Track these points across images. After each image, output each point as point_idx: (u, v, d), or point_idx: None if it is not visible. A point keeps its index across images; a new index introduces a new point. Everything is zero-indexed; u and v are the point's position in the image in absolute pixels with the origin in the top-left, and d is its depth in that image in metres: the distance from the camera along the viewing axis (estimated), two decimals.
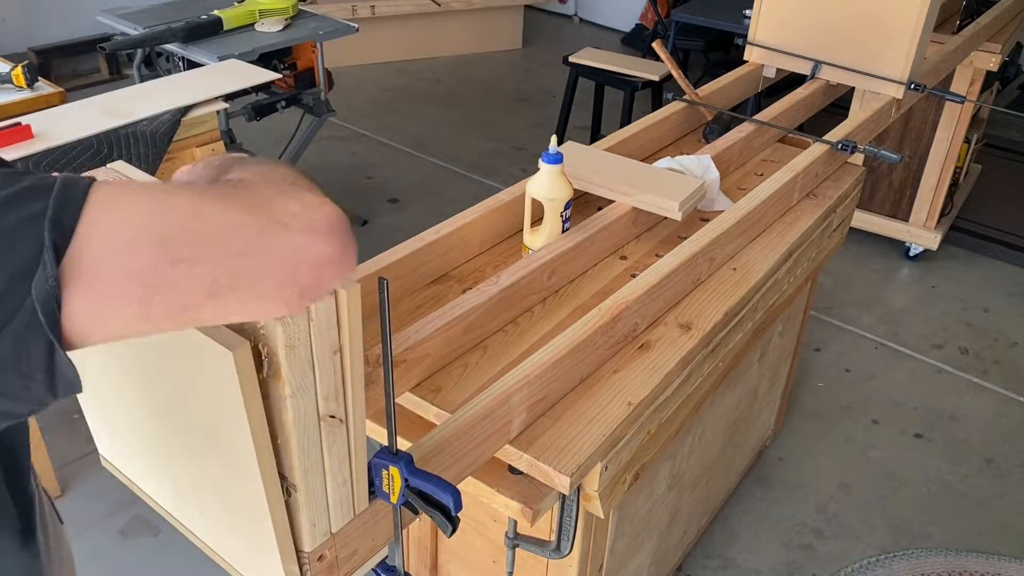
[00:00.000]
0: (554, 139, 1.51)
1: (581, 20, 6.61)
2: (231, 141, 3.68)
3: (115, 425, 1.03)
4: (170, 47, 3.11)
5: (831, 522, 2.39)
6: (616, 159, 1.72)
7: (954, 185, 3.54)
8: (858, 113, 2.07)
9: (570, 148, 1.72)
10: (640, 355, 1.38)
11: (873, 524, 2.39)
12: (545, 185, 1.51)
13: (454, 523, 0.93)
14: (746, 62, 2.36)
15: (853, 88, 2.27)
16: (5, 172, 0.56)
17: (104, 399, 1.02)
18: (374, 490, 0.95)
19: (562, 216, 1.54)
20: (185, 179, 0.79)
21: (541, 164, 1.51)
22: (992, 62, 3.08)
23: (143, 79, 3.13)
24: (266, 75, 2.82)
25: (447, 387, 1.28)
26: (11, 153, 2.10)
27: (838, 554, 2.29)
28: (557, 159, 1.50)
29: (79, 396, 1.07)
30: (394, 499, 0.94)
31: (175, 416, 0.89)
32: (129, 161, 2.20)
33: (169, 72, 3.25)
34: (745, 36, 2.34)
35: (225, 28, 3.15)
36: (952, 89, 3.17)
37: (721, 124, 2.10)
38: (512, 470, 1.23)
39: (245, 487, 0.84)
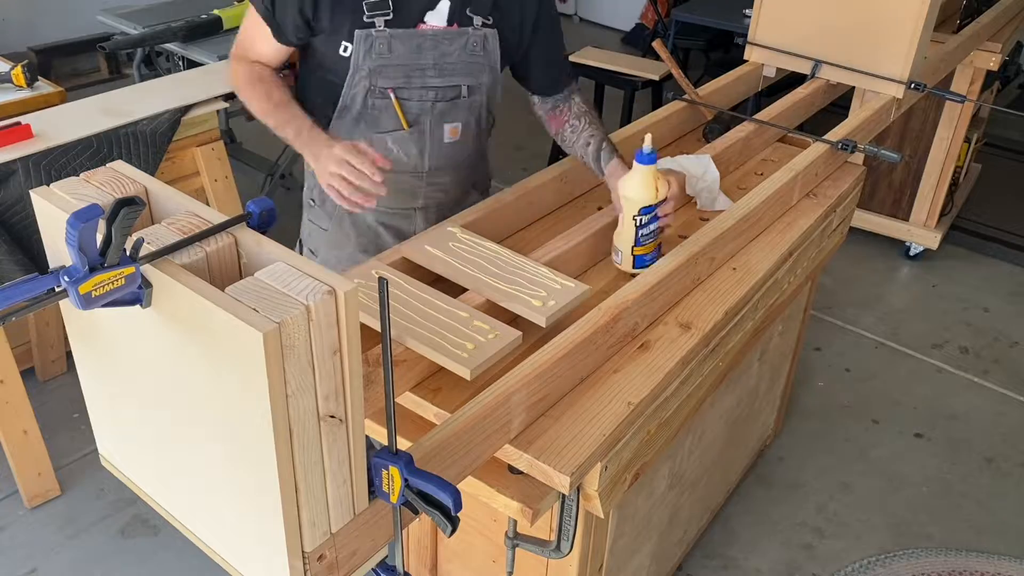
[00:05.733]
0: (648, 137, 1.50)
1: (581, 19, 6.60)
2: (231, 140, 3.68)
3: (122, 418, 1.04)
4: (170, 46, 3.11)
5: (831, 522, 2.39)
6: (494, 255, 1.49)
7: (954, 184, 3.54)
8: (858, 112, 2.07)
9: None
10: (640, 355, 1.38)
11: (873, 524, 2.39)
12: (627, 183, 1.51)
13: (454, 523, 0.93)
14: (746, 61, 2.36)
15: (853, 88, 2.27)
16: None
17: (115, 389, 1.02)
18: (374, 490, 0.95)
19: (635, 221, 1.50)
20: None
21: (635, 163, 1.51)
22: (992, 61, 3.08)
23: (143, 78, 3.13)
24: None
25: (447, 387, 1.28)
26: (11, 153, 2.10)
27: (838, 554, 2.29)
28: (646, 159, 1.48)
29: (86, 388, 1.07)
30: (394, 499, 0.94)
31: (188, 406, 0.89)
32: (129, 161, 2.20)
33: (169, 71, 3.25)
34: (745, 35, 2.33)
35: (225, 27, 3.15)
36: (952, 88, 3.17)
37: (721, 123, 2.10)
38: (512, 470, 1.23)
39: (255, 479, 0.84)
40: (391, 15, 1.54)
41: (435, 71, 1.59)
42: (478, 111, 1.68)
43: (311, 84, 1.71)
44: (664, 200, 1.52)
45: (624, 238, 1.53)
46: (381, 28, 1.54)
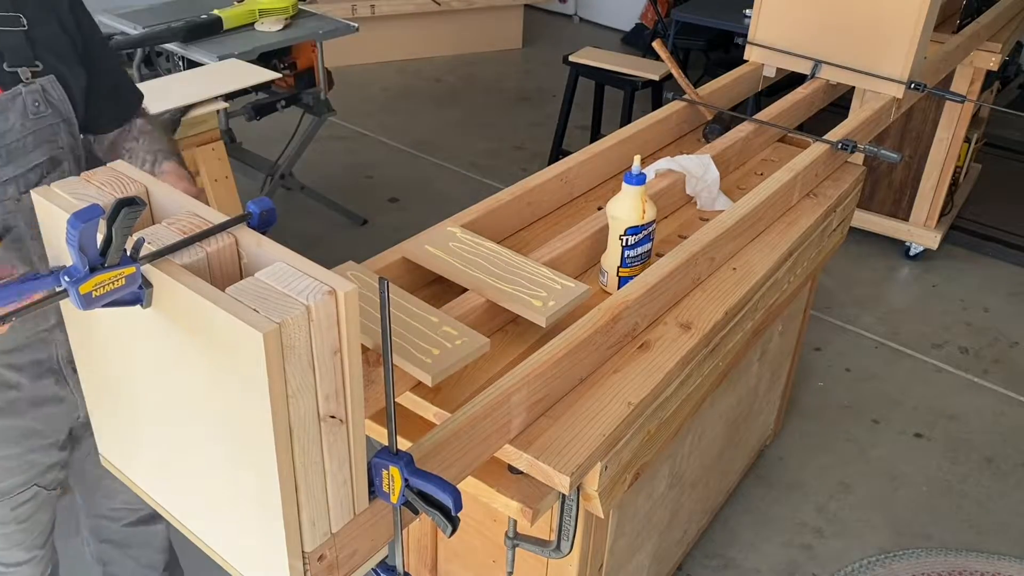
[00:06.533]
0: (637, 158, 1.48)
1: (581, 19, 6.60)
2: (231, 140, 3.68)
3: (122, 417, 1.04)
4: (170, 47, 3.11)
5: (831, 522, 2.39)
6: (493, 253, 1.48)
7: (954, 184, 3.54)
8: (858, 113, 2.07)
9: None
10: (640, 355, 1.38)
11: (873, 524, 2.39)
12: (615, 203, 1.50)
13: (454, 523, 0.93)
14: (746, 61, 2.36)
15: (853, 88, 2.27)
16: None
17: (115, 389, 1.02)
18: (374, 490, 0.95)
19: (622, 241, 1.49)
20: None
21: (623, 183, 1.49)
22: (992, 61, 3.08)
23: (143, 79, 3.13)
24: (266, 75, 2.82)
25: (447, 387, 1.28)
26: None
27: (838, 554, 2.29)
28: (635, 180, 1.47)
29: (86, 388, 1.07)
30: (394, 499, 0.94)
31: (189, 406, 0.89)
32: None
33: (169, 72, 3.25)
34: (745, 35, 2.34)
35: (225, 28, 3.15)
36: (952, 88, 3.17)
37: (721, 124, 2.10)
38: (512, 470, 1.23)
39: (255, 479, 0.84)
40: None
41: (2, 159, 1.20)
42: None
43: None
44: (652, 222, 1.50)
45: (610, 259, 1.52)
46: None
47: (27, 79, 1.21)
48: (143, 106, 1.45)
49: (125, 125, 1.40)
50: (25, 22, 1.22)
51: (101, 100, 1.35)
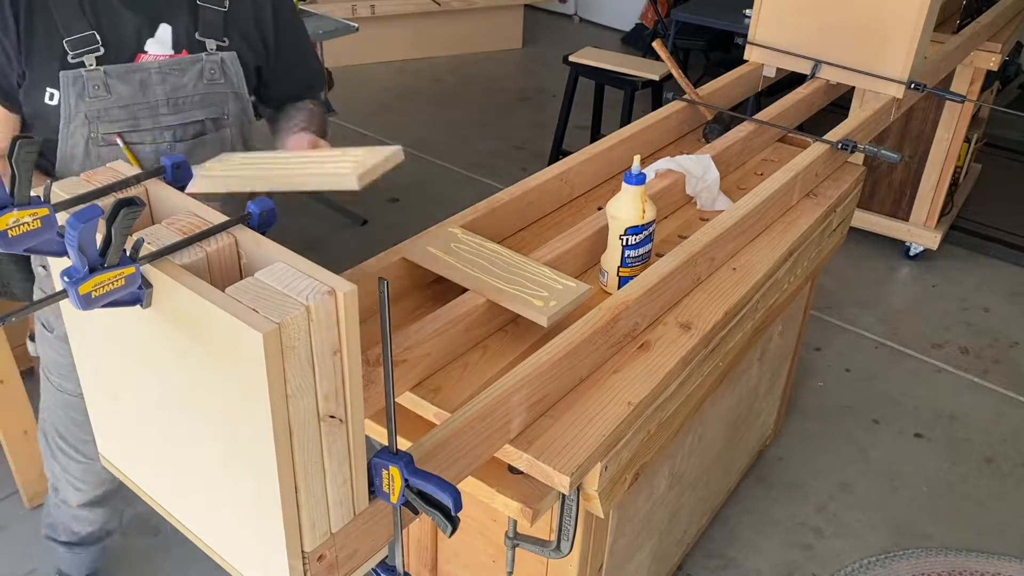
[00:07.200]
0: (637, 158, 1.48)
1: (581, 20, 6.61)
2: None
3: (122, 417, 1.04)
4: None
5: (831, 522, 2.39)
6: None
7: (954, 185, 3.54)
8: (858, 113, 2.07)
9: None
10: (640, 355, 1.38)
11: (873, 524, 2.39)
12: (615, 203, 1.50)
13: (454, 523, 0.93)
14: (746, 61, 2.36)
15: (853, 88, 2.27)
16: None
17: (114, 389, 1.02)
18: (374, 490, 0.95)
19: (622, 241, 1.49)
20: None
21: (623, 183, 1.48)
22: (992, 61, 3.08)
23: None
24: None
25: (447, 387, 1.28)
26: None
27: (838, 554, 2.29)
28: (634, 180, 1.47)
29: (86, 388, 1.07)
30: (394, 499, 0.94)
31: (188, 406, 0.89)
32: None
33: None
34: (745, 35, 2.34)
35: None
36: (952, 88, 3.17)
37: (721, 124, 2.10)
38: (512, 470, 1.23)
39: (255, 479, 0.84)
40: (102, 50, 1.33)
41: (169, 107, 1.40)
42: (230, 145, 1.50)
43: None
44: (652, 222, 1.50)
45: (610, 259, 1.52)
46: (93, 67, 1.33)
47: (211, 51, 1.40)
48: (320, 92, 1.65)
49: (297, 103, 1.59)
50: (227, 3, 1.42)
51: (277, 81, 1.55)
